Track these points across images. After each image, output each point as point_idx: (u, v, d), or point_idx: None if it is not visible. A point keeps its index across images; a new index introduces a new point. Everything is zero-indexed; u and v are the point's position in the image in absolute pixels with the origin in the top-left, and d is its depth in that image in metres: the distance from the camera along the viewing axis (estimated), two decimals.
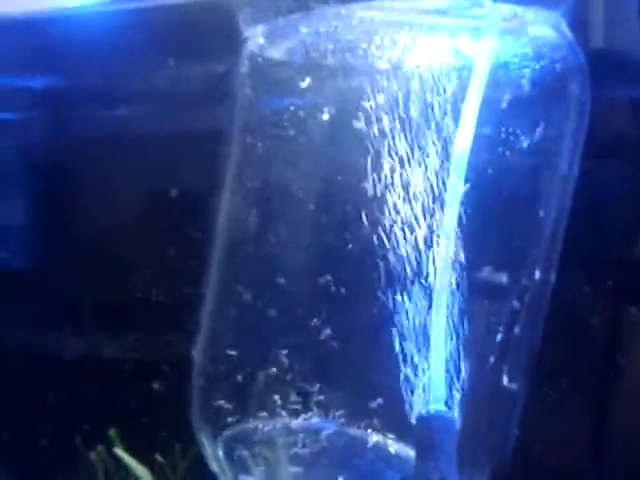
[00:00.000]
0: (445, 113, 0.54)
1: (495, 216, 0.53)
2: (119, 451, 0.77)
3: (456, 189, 0.52)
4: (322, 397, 0.56)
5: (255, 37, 0.56)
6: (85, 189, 0.93)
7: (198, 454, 0.84)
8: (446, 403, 0.49)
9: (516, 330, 0.53)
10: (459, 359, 0.51)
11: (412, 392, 0.51)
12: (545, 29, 0.52)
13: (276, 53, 0.56)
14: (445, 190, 0.52)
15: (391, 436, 0.54)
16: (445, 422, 0.48)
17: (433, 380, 0.49)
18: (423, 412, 0.48)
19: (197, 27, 0.74)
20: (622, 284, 0.71)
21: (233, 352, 0.56)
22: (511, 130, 0.53)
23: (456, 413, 0.48)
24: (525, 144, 0.52)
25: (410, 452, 0.53)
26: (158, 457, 0.81)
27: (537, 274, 0.53)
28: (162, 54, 0.77)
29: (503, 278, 0.52)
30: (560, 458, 0.73)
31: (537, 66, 0.52)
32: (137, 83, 0.80)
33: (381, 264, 0.54)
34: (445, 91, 0.54)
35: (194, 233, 0.89)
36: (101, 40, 0.77)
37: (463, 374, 0.50)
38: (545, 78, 0.52)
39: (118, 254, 0.92)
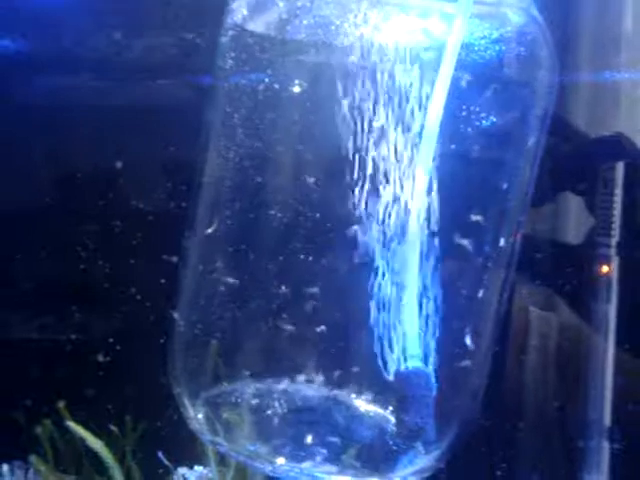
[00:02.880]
0: (414, 89, 0.57)
1: (462, 187, 0.57)
2: (72, 424, 0.76)
3: (427, 159, 0.55)
4: (299, 359, 0.58)
5: (240, 8, 0.57)
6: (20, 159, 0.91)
7: (149, 425, 0.85)
8: (422, 359, 0.52)
9: (481, 294, 0.57)
10: (431, 319, 0.54)
11: (388, 351, 0.54)
12: (516, 14, 0.56)
13: (256, 26, 0.57)
14: (416, 159, 0.55)
15: (367, 396, 0.57)
16: (422, 377, 0.51)
17: (408, 338, 0.52)
18: (401, 369, 0.51)
19: None
20: None
21: (213, 315, 0.58)
22: (478, 109, 0.56)
23: (431, 368, 0.52)
24: (492, 122, 0.56)
25: (382, 410, 0.56)
26: (111, 427, 0.81)
27: (502, 241, 0.57)
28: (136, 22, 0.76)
29: (469, 244, 0.56)
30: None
31: (506, 48, 0.56)
32: (106, 51, 0.78)
33: (355, 230, 0.56)
34: (412, 68, 0.57)
35: (146, 208, 0.89)
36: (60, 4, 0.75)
37: (434, 333, 0.54)
38: (514, 60, 0.56)
39: (61, 227, 0.91)
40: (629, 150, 0.82)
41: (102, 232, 0.89)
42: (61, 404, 0.81)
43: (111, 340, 0.91)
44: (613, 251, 0.86)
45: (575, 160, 0.84)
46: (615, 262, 0.86)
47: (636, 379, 0.86)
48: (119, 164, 0.88)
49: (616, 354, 0.85)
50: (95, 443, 0.77)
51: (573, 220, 0.90)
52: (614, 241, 0.86)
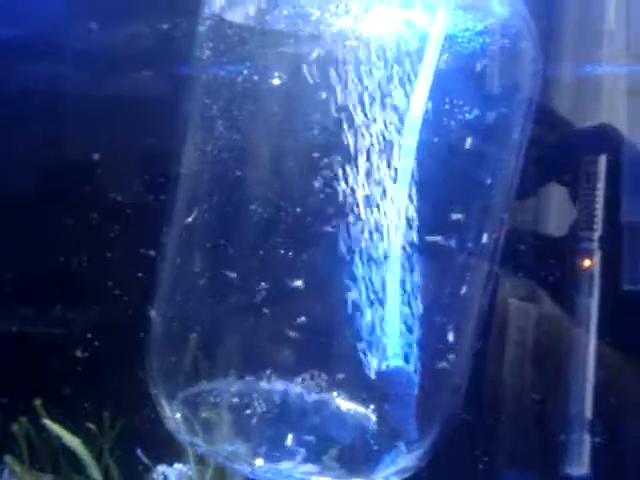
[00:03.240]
0: (396, 81, 0.56)
1: (445, 182, 0.56)
2: (48, 422, 0.75)
3: (409, 153, 0.54)
4: (279, 357, 0.57)
5: None
6: None
7: (128, 422, 0.84)
8: (403, 358, 0.51)
9: (463, 290, 0.56)
10: (412, 318, 0.53)
11: (369, 351, 0.53)
12: (500, 6, 0.55)
13: (235, 16, 0.56)
14: (398, 155, 0.54)
15: (346, 394, 0.56)
16: (404, 376, 0.50)
17: (390, 337, 0.51)
18: (383, 367, 0.51)
19: None
20: None
21: (191, 311, 0.56)
22: (461, 102, 0.56)
23: (412, 367, 0.51)
24: (476, 115, 0.55)
25: (364, 409, 0.55)
26: (88, 425, 0.80)
27: (485, 237, 0.56)
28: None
29: (452, 241, 0.55)
30: None
31: (489, 40, 0.55)
32: (81, 41, 0.77)
33: (337, 227, 0.55)
34: (395, 60, 0.56)
35: (125, 200, 0.87)
36: None
37: (416, 332, 0.53)
38: (497, 52, 0.55)
39: (41, 219, 0.90)
40: (613, 142, 0.82)
41: (83, 224, 0.88)
42: (37, 402, 0.79)
43: (89, 335, 0.90)
44: (595, 245, 0.86)
45: (560, 151, 0.83)
46: (597, 256, 0.86)
47: (617, 373, 0.86)
48: (97, 155, 0.86)
49: (598, 348, 0.85)
50: (72, 441, 0.75)
51: (556, 212, 0.90)
52: (596, 235, 0.86)
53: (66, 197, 0.90)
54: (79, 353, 0.89)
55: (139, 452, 0.79)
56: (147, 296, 0.60)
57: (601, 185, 0.85)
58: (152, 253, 0.63)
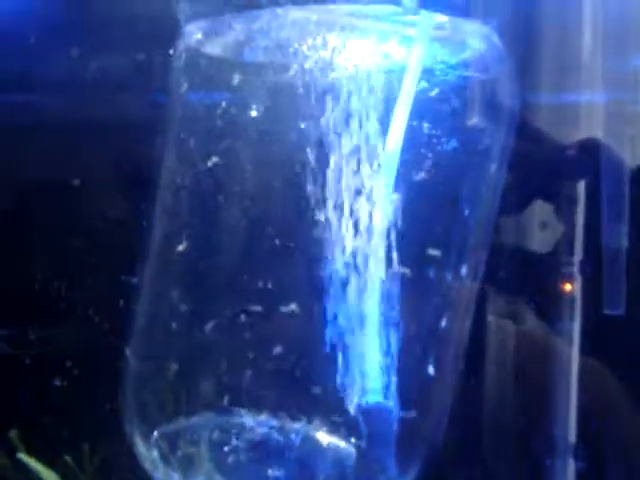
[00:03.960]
0: (373, 112, 0.56)
1: (423, 214, 0.56)
2: (23, 456, 0.74)
3: (387, 185, 0.54)
4: (256, 393, 0.56)
5: (193, 32, 0.55)
6: None
7: (108, 454, 0.83)
8: (383, 394, 0.51)
9: (443, 323, 0.56)
10: (392, 352, 0.53)
11: (348, 385, 0.52)
12: (476, 39, 0.55)
13: (212, 49, 0.56)
14: (375, 188, 0.54)
15: (325, 429, 0.56)
16: (383, 412, 0.50)
17: (369, 371, 0.51)
18: (362, 403, 0.50)
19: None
20: None
21: (166, 350, 0.56)
22: (438, 135, 0.56)
23: (392, 403, 0.51)
24: (452, 149, 0.55)
25: (345, 445, 0.55)
26: (66, 458, 0.79)
27: (464, 270, 0.56)
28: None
29: (430, 273, 0.55)
30: None
31: (466, 74, 0.55)
32: (58, 71, 0.76)
33: (314, 255, 0.55)
34: (373, 92, 0.56)
35: (99, 224, 0.87)
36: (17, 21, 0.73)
37: (397, 366, 0.52)
38: (474, 86, 0.55)
39: (17, 245, 0.89)
40: (595, 161, 0.82)
41: (61, 249, 0.87)
42: (13, 433, 0.78)
43: (69, 364, 0.89)
44: (576, 270, 0.86)
45: (546, 168, 0.84)
46: (578, 281, 0.86)
47: (599, 396, 0.86)
48: (77, 181, 0.86)
49: (580, 372, 0.85)
50: (49, 476, 0.74)
51: (538, 233, 0.90)
52: (577, 260, 0.86)
53: (47, 220, 0.89)
54: (58, 381, 0.88)
55: None
56: (128, 323, 0.59)
57: (581, 209, 0.85)
58: (134, 280, 0.63)
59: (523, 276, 0.86)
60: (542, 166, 0.82)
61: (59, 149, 0.84)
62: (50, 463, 0.74)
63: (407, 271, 0.53)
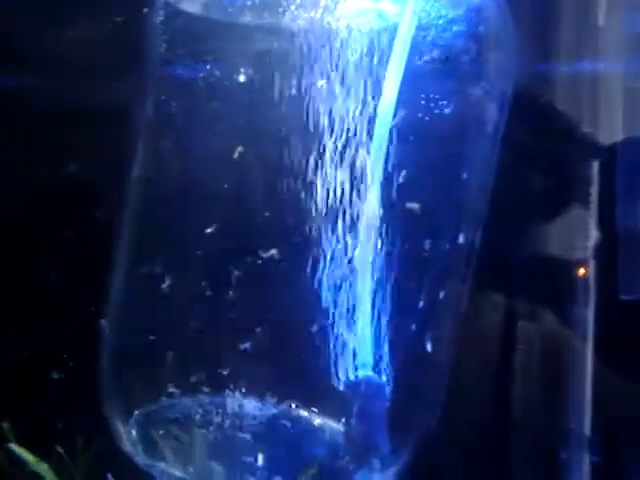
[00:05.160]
0: (366, 74, 0.53)
1: (417, 178, 0.52)
2: (15, 447, 0.71)
3: (380, 150, 0.51)
4: (240, 371, 0.53)
5: None
6: None
7: (101, 447, 0.80)
8: (374, 368, 0.47)
9: (440, 295, 0.52)
10: (383, 324, 0.50)
11: (337, 360, 0.49)
12: None
13: (192, 7, 0.53)
14: (369, 148, 0.51)
15: (315, 408, 0.52)
16: (374, 387, 0.46)
17: (359, 345, 0.48)
18: (351, 378, 0.47)
19: None
20: None
21: (144, 327, 0.53)
22: (434, 94, 0.52)
23: (384, 378, 0.47)
24: (448, 108, 0.52)
25: (335, 424, 0.51)
26: (59, 449, 0.77)
27: (460, 238, 0.52)
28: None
29: (426, 243, 0.52)
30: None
31: (462, 29, 0.52)
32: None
33: (305, 233, 0.52)
34: (365, 52, 0.53)
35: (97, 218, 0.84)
36: None
37: (388, 339, 0.49)
38: (470, 40, 0.52)
39: (8, 242, 0.87)
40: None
41: (50, 243, 0.85)
42: (5, 425, 0.76)
43: (64, 355, 0.87)
44: (590, 254, 0.83)
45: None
46: (592, 265, 0.83)
47: (615, 387, 0.83)
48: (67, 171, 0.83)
49: (594, 361, 0.82)
50: (41, 467, 0.72)
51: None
52: (591, 243, 0.83)
53: (36, 214, 0.87)
54: (54, 374, 0.86)
55: (109, 476, 0.75)
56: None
57: (594, 191, 0.82)
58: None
59: (534, 267, 0.84)
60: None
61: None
62: (43, 456, 0.72)
63: (401, 238, 0.50)
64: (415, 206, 0.50)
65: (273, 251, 0.51)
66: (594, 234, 0.82)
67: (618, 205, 0.80)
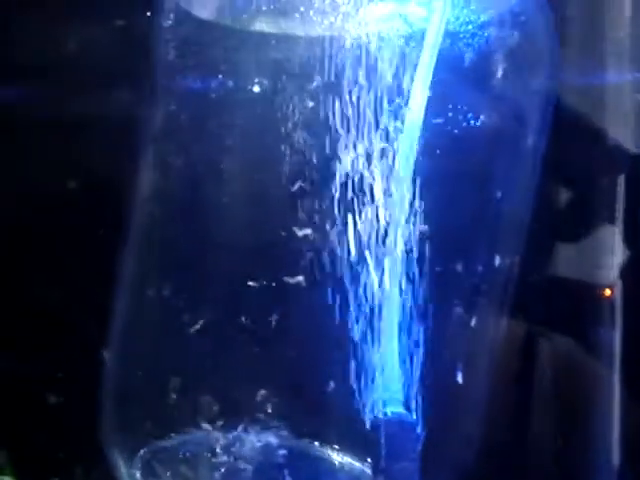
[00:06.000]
0: (392, 84, 0.49)
1: (448, 196, 0.48)
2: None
3: (407, 165, 0.47)
4: (255, 405, 0.49)
5: None
6: None
7: (101, 477, 0.76)
8: (404, 404, 0.43)
9: (473, 323, 0.48)
10: (414, 356, 0.45)
11: (363, 395, 0.45)
12: None
13: (203, 12, 0.49)
14: (394, 164, 0.47)
15: (337, 447, 0.48)
16: (405, 426, 0.42)
17: (388, 380, 0.43)
18: (379, 416, 0.43)
19: None
20: None
21: (151, 357, 0.49)
22: (465, 107, 0.49)
23: (415, 415, 0.43)
24: (483, 120, 0.48)
25: (359, 464, 0.47)
26: None
27: (496, 261, 0.48)
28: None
29: (458, 266, 0.48)
30: None
31: (496, 34, 0.48)
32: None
33: (324, 257, 0.48)
34: (389, 61, 0.49)
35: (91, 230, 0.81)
36: None
37: (419, 372, 0.45)
38: (505, 46, 0.48)
39: (6, 260, 0.83)
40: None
41: (50, 257, 0.81)
42: (2, 455, 0.73)
43: (60, 378, 0.83)
44: (616, 273, 0.79)
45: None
46: (618, 286, 0.80)
47: None
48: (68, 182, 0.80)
49: (622, 384, 0.78)
50: None
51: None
52: (616, 262, 0.79)
53: (35, 225, 0.84)
54: (50, 398, 0.82)
55: None
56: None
57: (620, 207, 0.78)
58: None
59: (557, 287, 0.80)
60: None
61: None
62: None
63: (431, 261, 0.46)
64: (425, 228, 0.47)
65: (299, 278, 0.47)
66: (621, 252, 0.79)
67: None
